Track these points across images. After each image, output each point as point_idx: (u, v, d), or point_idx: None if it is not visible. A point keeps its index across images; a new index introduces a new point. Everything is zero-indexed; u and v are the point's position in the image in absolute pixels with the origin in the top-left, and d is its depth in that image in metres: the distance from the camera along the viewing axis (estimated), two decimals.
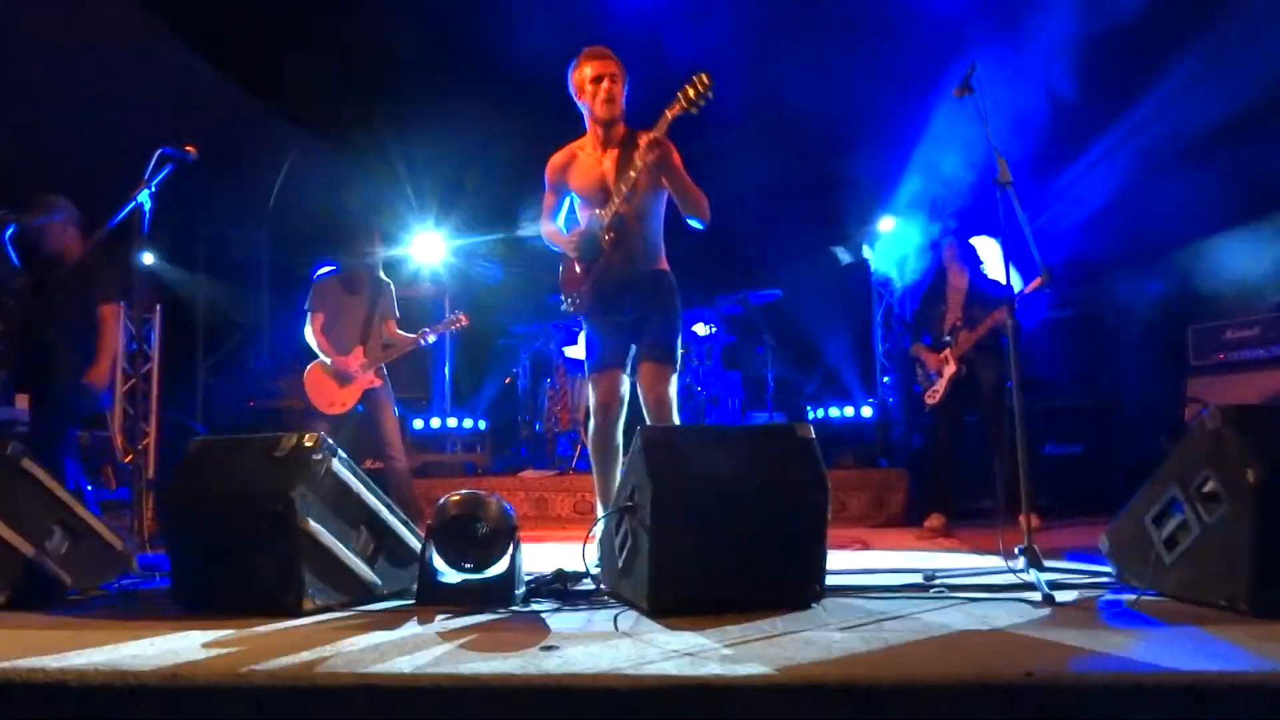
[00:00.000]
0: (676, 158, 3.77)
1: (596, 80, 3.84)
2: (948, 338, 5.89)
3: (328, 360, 5.54)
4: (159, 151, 3.90)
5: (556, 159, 4.06)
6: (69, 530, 3.54)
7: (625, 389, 3.96)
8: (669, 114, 3.63)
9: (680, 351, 3.93)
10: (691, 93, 3.57)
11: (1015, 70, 5.94)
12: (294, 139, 7.35)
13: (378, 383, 5.56)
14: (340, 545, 3.16)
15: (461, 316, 5.80)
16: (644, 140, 3.65)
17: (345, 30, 6.36)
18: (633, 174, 3.74)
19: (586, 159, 3.97)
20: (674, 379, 3.84)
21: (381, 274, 5.81)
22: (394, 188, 8.30)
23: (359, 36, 6.40)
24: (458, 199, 8.34)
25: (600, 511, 3.88)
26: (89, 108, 6.23)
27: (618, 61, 3.89)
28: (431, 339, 5.69)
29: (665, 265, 3.99)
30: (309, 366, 5.60)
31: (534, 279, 8.19)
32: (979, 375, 5.76)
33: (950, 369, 5.79)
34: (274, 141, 7.39)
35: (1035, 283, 5.00)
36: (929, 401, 5.93)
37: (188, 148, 4.00)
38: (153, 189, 3.86)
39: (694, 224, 3.90)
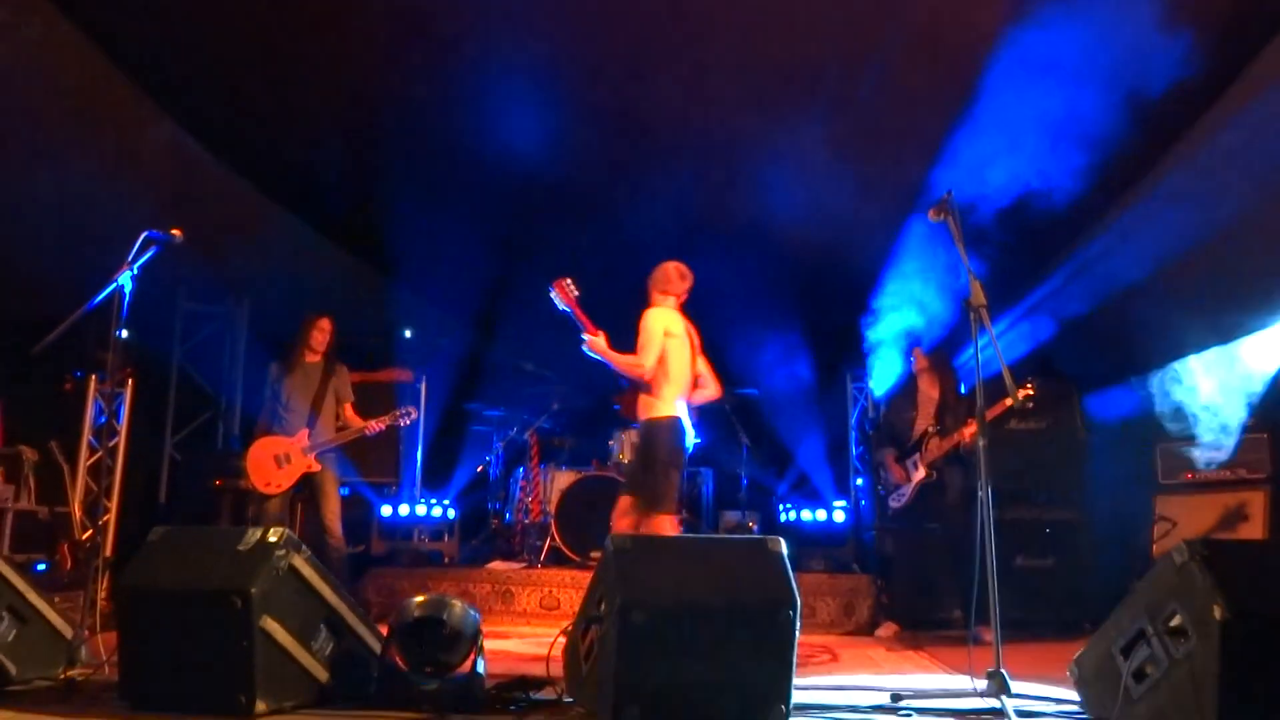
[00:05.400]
0: None
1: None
2: (916, 444, 5.91)
3: (274, 438, 5.61)
4: (144, 234, 3.89)
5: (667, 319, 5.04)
6: (18, 617, 3.44)
7: None
8: None
9: None
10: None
11: (992, 181, 6.03)
12: (279, 218, 7.35)
13: (316, 468, 5.58)
14: (298, 644, 3.09)
15: (411, 410, 5.91)
16: None
17: (336, 118, 6.37)
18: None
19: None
20: None
21: (334, 357, 5.92)
22: (381, 273, 8.30)
23: (351, 127, 6.43)
24: (440, 281, 8.33)
25: None
26: (70, 183, 6.17)
27: None
28: (378, 429, 5.74)
29: None
30: (253, 444, 5.67)
31: (511, 361, 8.18)
32: (945, 484, 5.76)
33: (920, 475, 5.80)
34: (258, 219, 7.38)
35: (1002, 405, 5.03)
36: (894, 505, 5.96)
37: (173, 231, 3.98)
38: (135, 271, 3.84)
39: None
